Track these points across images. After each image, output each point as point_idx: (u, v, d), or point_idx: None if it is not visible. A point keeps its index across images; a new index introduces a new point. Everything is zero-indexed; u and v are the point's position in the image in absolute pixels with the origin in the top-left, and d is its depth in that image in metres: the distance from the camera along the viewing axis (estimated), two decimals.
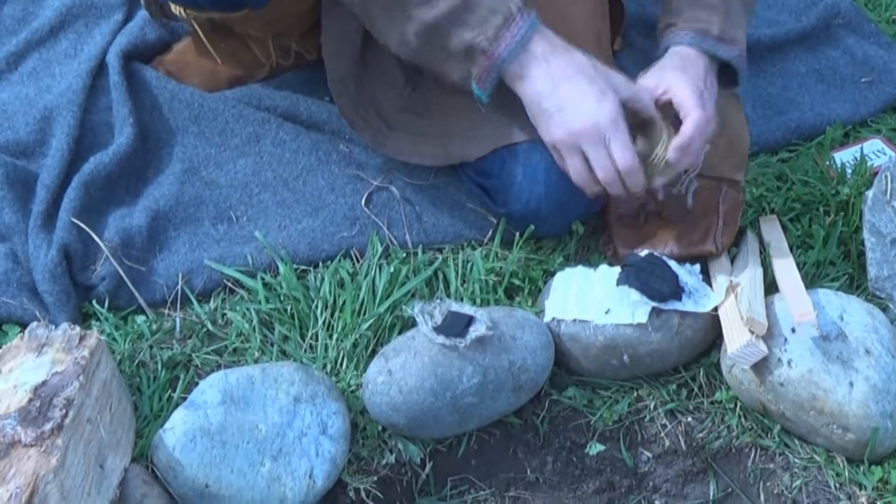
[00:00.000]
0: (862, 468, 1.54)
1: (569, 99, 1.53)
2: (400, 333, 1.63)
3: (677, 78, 1.61)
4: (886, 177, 1.64)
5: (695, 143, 1.57)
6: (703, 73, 1.65)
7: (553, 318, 1.61)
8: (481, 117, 1.72)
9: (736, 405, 1.61)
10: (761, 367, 1.53)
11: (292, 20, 1.91)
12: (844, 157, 1.91)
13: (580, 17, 1.77)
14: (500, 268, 1.71)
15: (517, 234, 1.74)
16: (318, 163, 1.88)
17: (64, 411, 1.30)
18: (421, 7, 1.52)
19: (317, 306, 1.66)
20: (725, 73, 1.72)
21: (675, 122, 1.61)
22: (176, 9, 1.91)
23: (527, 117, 1.59)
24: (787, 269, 1.63)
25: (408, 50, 1.58)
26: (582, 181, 1.58)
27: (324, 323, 1.64)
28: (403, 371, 1.50)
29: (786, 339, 1.53)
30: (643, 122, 1.61)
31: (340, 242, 1.75)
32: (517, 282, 1.70)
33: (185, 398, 1.50)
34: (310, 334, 1.64)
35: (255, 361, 1.61)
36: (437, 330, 1.51)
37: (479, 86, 1.56)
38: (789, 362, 1.51)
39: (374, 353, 1.61)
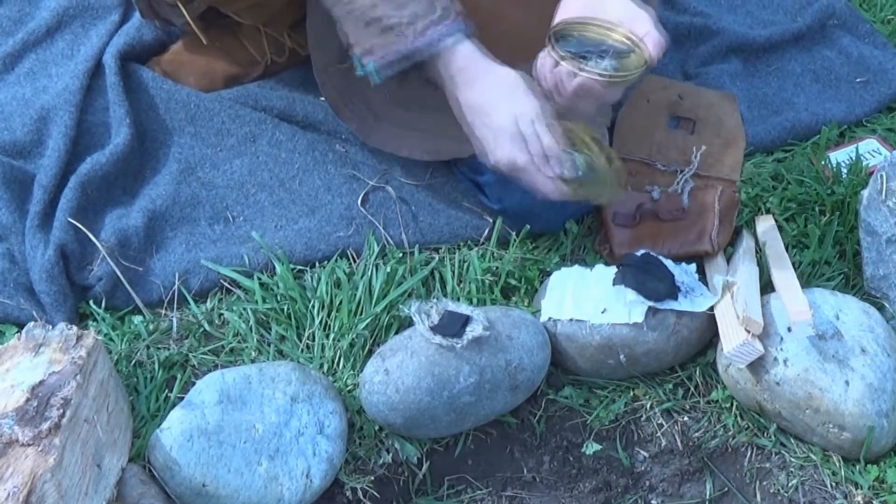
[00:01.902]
0: (858, 467, 1.55)
1: (480, 133, 1.55)
2: (397, 333, 1.63)
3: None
4: (882, 176, 1.64)
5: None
6: None
7: (549, 318, 1.61)
8: None
9: (732, 404, 1.62)
10: (757, 367, 1.53)
11: (279, 6, 1.90)
12: (840, 156, 1.91)
13: (521, 19, 1.77)
14: (497, 267, 1.71)
15: (513, 233, 1.74)
16: (315, 163, 1.88)
17: (61, 411, 1.30)
18: None
19: (313, 306, 1.66)
20: None
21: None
22: None
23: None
24: (782, 269, 1.63)
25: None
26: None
27: (320, 323, 1.64)
28: (400, 371, 1.50)
29: (782, 339, 1.53)
30: (614, 50, 1.56)
31: (337, 242, 1.75)
32: (513, 281, 1.71)
33: (182, 398, 1.50)
34: (306, 334, 1.64)
35: (252, 361, 1.61)
36: (434, 329, 1.51)
37: (378, 62, 1.54)
38: (785, 361, 1.52)
39: (370, 352, 1.61)
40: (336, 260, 1.73)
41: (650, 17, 1.55)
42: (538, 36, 1.65)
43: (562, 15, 1.57)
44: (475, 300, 1.68)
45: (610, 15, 1.55)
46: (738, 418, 1.61)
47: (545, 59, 1.55)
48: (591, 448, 1.63)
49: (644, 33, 1.53)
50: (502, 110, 1.53)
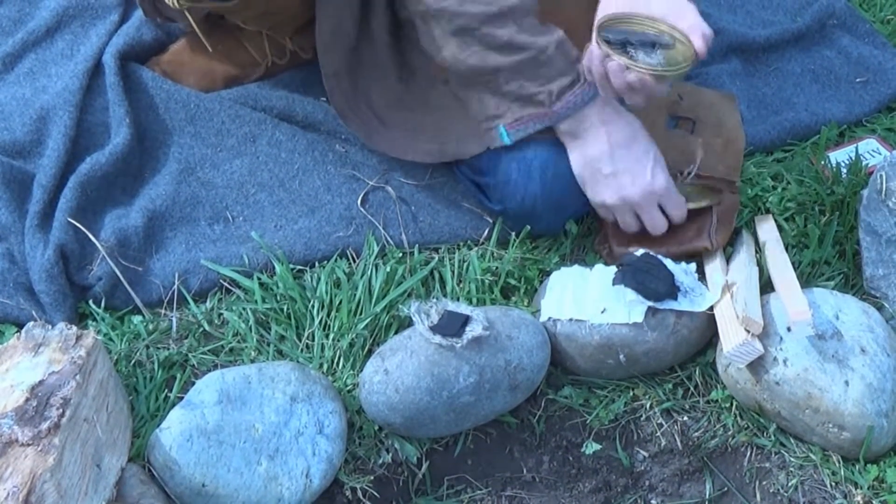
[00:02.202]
0: (857, 467, 1.55)
1: (624, 166, 1.64)
2: (396, 333, 1.63)
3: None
4: (881, 176, 1.64)
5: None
6: None
7: (549, 318, 1.61)
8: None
9: (732, 404, 1.62)
10: (757, 366, 1.53)
11: (286, 15, 1.91)
12: (839, 156, 1.91)
13: (581, 13, 1.77)
14: (497, 267, 1.71)
15: (513, 233, 1.74)
16: (314, 163, 1.88)
17: (61, 411, 1.30)
18: (495, 51, 1.61)
19: (313, 306, 1.66)
20: None
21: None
22: (172, 2, 1.90)
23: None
24: (782, 269, 1.63)
25: (457, 72, 1.67)
26: (629, 229, 1.70)
27: (320, 322, 1.64)
28: (400, 370, 1.50)
29: (781, 338, 1.53)
30: (655, 44, 1.57)
31: (337, 242, 1.75)
32: (513, 281, 1.71)
33: (181, 398, 1.50)
34: (306, 334, 1.64)
35: (252, 361, 1.61)
36: (434, 329, 1.51)
37: (510, 129, 1.65)
38: (785, 361, 1.52)
39: (370, 352, 1.61)
40: (336, 260, 1.73)
41: (694, 9, 1.56)
42: (591, 26, 1.67)
43: (605, 9, 1.58)
44: (475, 300, 1.68)
45: (654, 8, 1.56)
46: (738, 418, 1.61)
47: (593, 52, 1.56)
48: (591, 448, 1.63)
49: (689, 26, 1.54)
50: (644, 140, 1.66)
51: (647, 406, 1.63)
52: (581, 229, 1.78)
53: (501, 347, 1.53)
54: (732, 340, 1.51)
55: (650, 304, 1.56)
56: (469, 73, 1.65)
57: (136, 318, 1.65)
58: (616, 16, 1.56)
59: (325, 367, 1.61)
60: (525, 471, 1.66)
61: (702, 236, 1.68)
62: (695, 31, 1.53)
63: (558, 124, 1.64)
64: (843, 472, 1.54)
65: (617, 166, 1.64)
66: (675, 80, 1.57)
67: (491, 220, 1.79)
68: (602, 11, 1.57)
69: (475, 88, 1.67)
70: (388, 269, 1.69)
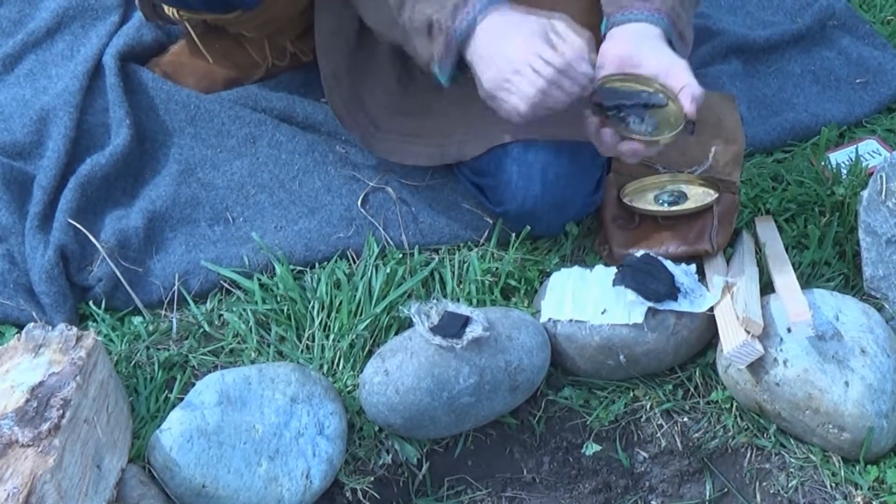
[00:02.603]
0: (858, 468, 1.55)
1: (496, 47, 1.51)
2: (396, 334, 1.63)
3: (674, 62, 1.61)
4: (881, 177, 1.64)
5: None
6: None
7: (549, 319, 1.61)
8: (477, 117, 1.72)
9: (732, 405, 1.62)
10: (757, 367, 1.53)
11: (285, 22, 1.91)
12: (839, 157, 1.92)
13: (577, 13, 1.77)
14: (497, 268, 1.71)
15: (513, 234, 1.74)
16: (315, 164, 1.88)
17: (61, 412, 1.30)
18: None
19: (313, 307, 1.66)
20: None
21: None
22: (169, 10, 1.91)
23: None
24: (782, 270, 1.63)
25: (380, 27, 1.61)
26: (533, 105, 1.53)
27: (320, 323, 1.64)
28: (400, 371, 1.50)
29: (781, 339, 1.53)
30: (648, 106, 1.61)
31: (337, 243, 1.75)
32: (513, 282, 1.71)
33: (181, 399, 1.50)
34: (306, 335, 1.64)
35: (252, 362, 1.61)
36: (434, 330, 1.51)
37: (440, 65, 1.56)
38: (785, 362, 1.52)
39: (370, 353, 1.61)
40: (336, 261, 1.73)
41: (687, 67, 1.57)
42: (592, 27, 1.68)
43: (601, 64, 1.58)
44: (475, 301, 1.68)
45: (647, 67, 1.58)
46: (738, 419, 1.61)
47: (590, 118, 1.59)
48: (591, 449, 1.63)
49: (680, 87, 1.56)
50: (515, 43, 1.51)
51: (648, 407, 1.63)
52: (581, 230, 1.78)
53: (501, 348, 1.53)
54: (732, 341, 1.51)
55: (650, 304, 1.57)
56: (388, 23, 1.59)
57: (137, 319, 1.65)
58: (611, 76, 1.58)
59: (326, 367, 1.61)
60: (525, 472, 1.66)
61: (702, 238, 1.68)
62: (685, 94, 1.55)
63: (465, 50, 1.54)
64: (843, 473, 1.54)
65: (491, 50, 1.51)
66: (666, 143, 1.59)
67: (491, 221, 1.79)
68: (599, 66, 1.57)
69: (406, 33, 1.59)
70: (388, 269, 1.69)
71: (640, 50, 1.59)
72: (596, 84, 1.57)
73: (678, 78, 1.57)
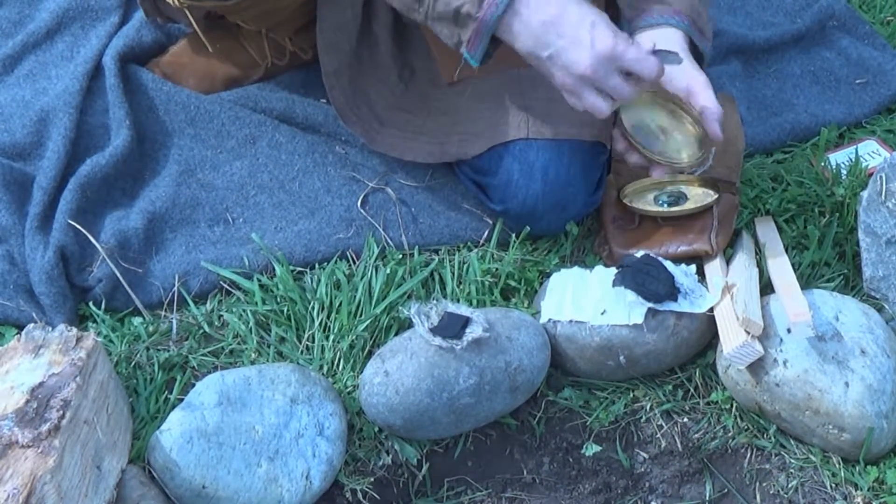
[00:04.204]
0: (858, 468, 1.55)
1: (560, 43, 1.50)
2: (396, 335, 1.63)
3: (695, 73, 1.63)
4: (881, 178, 1.64)
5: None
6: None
7: (549, 319, 1.61)
8: (478, 115, 1.72)
9: (732, 406, 1.62)
10: (757, 368, 1.53)
11: (286, 14, 1.91)
12: (839, 158, 1.92)
13: None
14: (497, 269, 1.71)
15: (513, 235, 1.74)
16: (315, 165, 1.88)
17: (61, 412, 1.30)
18: None
19: (313, 308, 1.66)
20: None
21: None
22: (173, 0, 1.90)
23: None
24: (782, 270, 1.63)
25: (403, 8, 1.59)
26: (602, 113, 1.54)
27: (320, 324, 1.64)
28: (400, 372, 1.50)
29: (781, 340, 1.53)
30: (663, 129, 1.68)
31: (337, 244, 1.75)
32: (513, 283, 1.71)
33: (181, 400, 1.50)
34: (306, 335, 1.64)
35: (252, 363, 1.61)
36: (434, 331, 1.51)
37: (470, 50, 1.54)
38: (785, 362, 1.52)
39: (370, 354, 1.61)
40: (336, 261, 1.73)
41: (706, 85, 1.60)
42: None
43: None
44: (475, 301, 1.68)
45: (672, 83, 1.61)
46: (738, 419, 1.61)
47: (618, 138, 1.64)
48: (591, 449, 1.63)
49: (701, 108, 1.59)
50: (574, 8, 1.49)
51: (648, 407, 1.63)
52: (581, 231, 1.78)
53: (501, 349, 1.53)
54: (732, 342, 1.51)
55: (650, 305, 1.57)
56: (410, 5, 1.57)
57: (137, 320, 1.65)
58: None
59: (326, 368, 1.61)
60: (525, 472, 1.66)
61: (702, 238, 1.68)
62: (709, 118, 1.59)
63: (497, 31, 1.52)
64: (843, 474, 1.54)
65: (551, 47, 1.49)
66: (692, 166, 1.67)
67: (491, 222, 1.79)
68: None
69: (427, 24, 1.59)
70: (388, 270, 1.69)
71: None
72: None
73: (698, 97, 1.59)
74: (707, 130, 1.61)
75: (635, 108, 1.64)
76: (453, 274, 1.72)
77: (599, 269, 1.67)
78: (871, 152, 1.93)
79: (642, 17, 1.69)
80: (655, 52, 1.52)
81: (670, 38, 1.65)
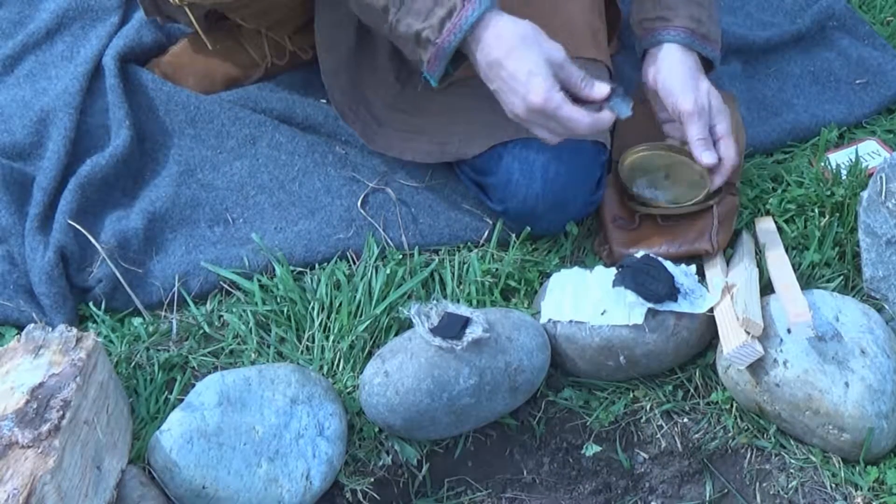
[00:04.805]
0: (858, 468, 1.55)
1: (500, 84, 1.54)
2: (396, 335, 1.63)
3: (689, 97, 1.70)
4: (881, 178, 1.64)
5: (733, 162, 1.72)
6: (698, 71, 1.73)
7: (549, 320, 1.61)
8: (478, 115, 1.73)
9: (732, 406, 1.62)
10: (757, 368, 1.53)
11: (286, 12, 1.91)
12: (839, 158, 1.91)
13: (577, 12, 1.78)
14: (497, 269, 1.71)
15: (513, 235, 1.74)
16: (315, 165, 1.88)
17: (61, 413, 1.30)
18: None
19: (313, 308, 1.66)
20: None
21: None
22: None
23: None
24: (782, 270, 1.63)
25: (359, 13, 1.63)
26: (554, 141, 1.59)
27: (320, 324, 1.64)
28: (400, 372, 1.50)
29: (781, 340, 1.54)
30: (670, 165, 1.73)
31: (337, 244, 1.75)
32: (513, 283, 1.71)
33: (181, 400, 1.50)
34: (306, 336, 1.64)
35: (252, 363, 1.61)
36: (434, 331, 1.51)
37: (429, 71, 1.58)
38: (785, 363, 1.52)
39: (370, 354, 1.61)
40: (336, 262, 1.73)
41: (728, 122, 1.71)
42: (593, 28, 1.77)
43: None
44: (475, 302, 1.68)
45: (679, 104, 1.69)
46: (738, 420, 1.61)
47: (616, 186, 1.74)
48: (591, 450, 1.63)
49: (705, 166, 1.69)
50: (522, 50, 1.52)
51: (648, 408, 1.63)
52: (581, 231, 1.78)
53: (501, 349, 1.53)
54: (732, 342, 1.51)
55: (650, 305, 1.57)
56: (367, 12, 1.60)
57: (137, 320, 1.65)
58: (636, 149, 1.74)
59: (326, 368, 1.61)
60: (525, 472, 1.66)
61: (702, 238, 1.68)
62: (716, 174, 1.70)
63: (457, 53, 1.56)
64: (843, 474, 1.54)
65: (493, 84, 1.55)
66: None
67: (491, 222, 1.79)
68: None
69: (389, 38, 1.62)
70: (388, 270, 1.69)
71: (669, 86, 1.71)
72: (624, 158, 1.73)
73: (700, 159, 1.68)
74: (713, 182, 1.70)
75: (637, 152, 1.74)
76: (453, 274, 1.72)
77: (599, 269, 1.67)
78: (871, 152, 1.93)
79: (648, 35, 1.76)
80: (609, 99, 1.56)
81: (672, 55, 1.72)
